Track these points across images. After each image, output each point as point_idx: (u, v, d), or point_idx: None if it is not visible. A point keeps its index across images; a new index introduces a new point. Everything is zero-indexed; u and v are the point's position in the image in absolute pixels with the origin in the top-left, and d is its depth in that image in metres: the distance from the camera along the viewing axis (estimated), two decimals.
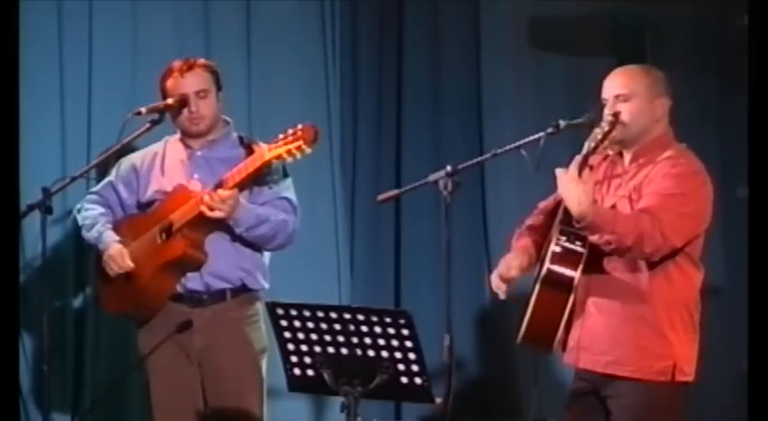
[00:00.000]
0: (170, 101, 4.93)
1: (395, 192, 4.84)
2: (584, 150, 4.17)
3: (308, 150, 4.67)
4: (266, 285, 5.01)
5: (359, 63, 6.52)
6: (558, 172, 4.16)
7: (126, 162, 5.10)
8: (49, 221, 4.82)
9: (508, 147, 4.40)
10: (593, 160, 4.40)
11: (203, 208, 4.75)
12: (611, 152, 4.42)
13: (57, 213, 5.06)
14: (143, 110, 4.88)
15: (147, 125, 4.89)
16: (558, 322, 4.26)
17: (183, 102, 4.92)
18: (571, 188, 4.12)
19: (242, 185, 4.80)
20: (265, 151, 4.71)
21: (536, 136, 4.36)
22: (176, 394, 4.96)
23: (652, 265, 4.26)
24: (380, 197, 4.73)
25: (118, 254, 4.95)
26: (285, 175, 4.98)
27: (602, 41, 6.47)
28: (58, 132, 5.98)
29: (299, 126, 4.68)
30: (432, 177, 4.42)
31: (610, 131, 4.20)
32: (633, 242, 4.13)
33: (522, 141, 4.38)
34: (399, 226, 6.50)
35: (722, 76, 6.44)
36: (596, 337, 4.32)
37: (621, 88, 4.34)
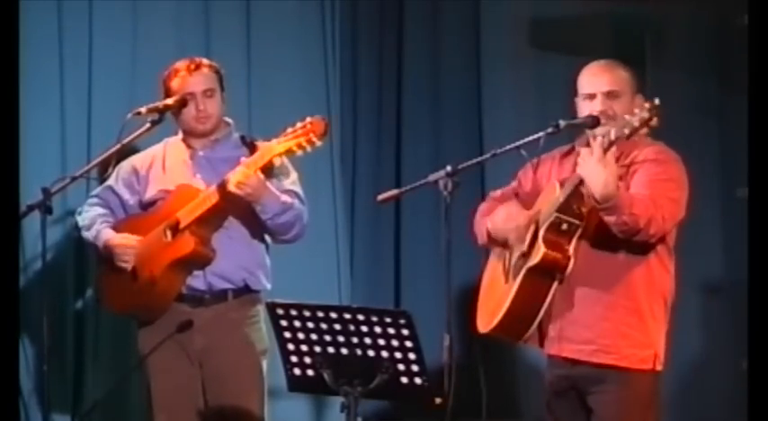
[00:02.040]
0: (170, 101, 4.93)
1: (395, 192, 4.84)
2: (614, 135, 4.11)
3: (319, 143, 4.67)
4: (268, 286, 5.01)
5: (359, 62, 6.53)
6: (584, 152, 4.14)
7: (126, 164, 5.10)
8: (49, 221, 4.81)
9: (508, 147, 4.40)
10: (552, 155, 4.44)
11: (232, 184, 4.71)
12: (578, 147, 4.43)
13: (57, 213, 5.05)
14: (143, 110, 4.88)
15: (147, 125, 4.89)
16: (538, 310, 4.29)
17: (182, 102, 4.92)
18: (599, 170, 4.09)
19: None
20: (274, 145, 4.71)
21: (536, 136, 4.36)
22: (177, 394, 4.95)
23: (634, 253, 4.28)
24: (380, 197, 4.73)
25: (122, 239, 4.94)
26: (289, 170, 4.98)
27: (602, 41, 6.46)
28: (58, 132, 5.98)
29: (308, 119, 4.68)
30: (432, 177, 4.43)
31: (650, 119, 4.10)
32: (645, 224, 4.14)
33: (522, 141, 4.38)
34: (399, 226, 6.50)
35: (722, 76, 6.43)
36: (579, 327, 4.32)
37: (612, 85, 4.38)
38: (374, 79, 6.54)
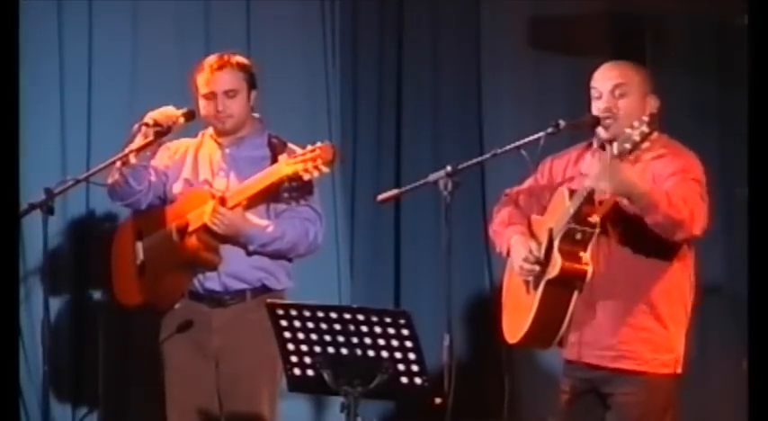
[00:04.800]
0: (178, 113, 4.89)
1: (395, 192, 4.84)
2: (616, 150, 4.10)
3: (326, 169, 4.65)
4: (290, 284, 4.97)
5: (359, 63, 6.53)
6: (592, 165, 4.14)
7: (163, 151, 5.02)
8: (50, 221, 4.82)
9: (508, 147, 4.40)
10: (569, 152, 4.47)
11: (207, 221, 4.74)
12: (595, 144, 4.43)
13: (57, 213, 5.05)
14: (150, 122, 4.83)
15: (151, 137, 4.83)
16: (562, 320, 4.28)
17: (190, 115, 4.89)
18: (610, 174, 4.11)
19: (254, 200, 4.78)
20: (282, 166, 4.68)
21: (536, 136, 4.36)
22: (191, 393, 4.92)
23: (657, 258, 4.28)
24: (380, 197, 4.73)
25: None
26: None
27: (602, 41, 6.47)
28: (58, 132, 5.98)
29: (318, 144, 4.65)
30: (432, 177, 4.43)
31: (650, 133, 4.10)
32: (688, 215, 4.15)
33: (522, 141, 4.38)
34: (399, 226, 6.50)
35: (722, 76, 6.44)
36: (600, 333, 4.32)
37: (620, 78, 4.35)
38: (374, 79, 6.55)
